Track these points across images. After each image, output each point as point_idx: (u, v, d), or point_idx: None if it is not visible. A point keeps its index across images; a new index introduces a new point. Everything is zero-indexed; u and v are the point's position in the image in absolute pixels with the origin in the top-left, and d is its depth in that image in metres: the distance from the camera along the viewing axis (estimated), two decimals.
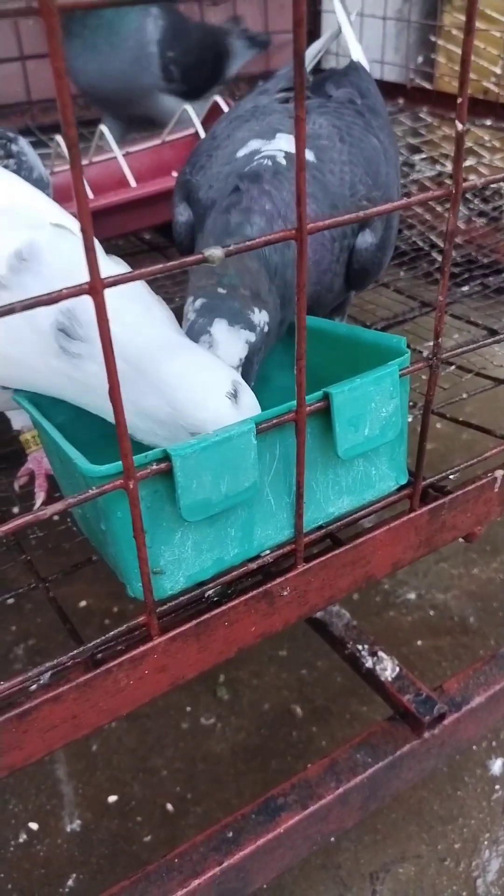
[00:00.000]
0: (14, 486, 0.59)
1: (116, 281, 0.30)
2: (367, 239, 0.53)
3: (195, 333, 0.44)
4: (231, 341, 0.43)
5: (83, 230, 0.27)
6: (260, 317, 0.45)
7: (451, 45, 1.46)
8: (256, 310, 0.45)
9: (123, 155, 0.89)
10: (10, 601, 0.93)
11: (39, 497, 0.56)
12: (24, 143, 0.67)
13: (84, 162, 0.90)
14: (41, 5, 0.24)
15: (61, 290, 0.29)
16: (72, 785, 0.77)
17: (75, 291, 0.29)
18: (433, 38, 1.50)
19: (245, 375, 0.44)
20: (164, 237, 1.08)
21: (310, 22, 1.53)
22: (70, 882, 0.69)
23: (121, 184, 0.88)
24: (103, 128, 0.87)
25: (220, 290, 0.44)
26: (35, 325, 0.40)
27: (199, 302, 0.45)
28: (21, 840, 0.73)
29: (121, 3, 0.25)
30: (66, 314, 0.39)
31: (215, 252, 0.31)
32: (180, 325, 0.45)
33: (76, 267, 0.28)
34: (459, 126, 0.36)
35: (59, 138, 0.85)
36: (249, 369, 0.45)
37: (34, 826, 0.74)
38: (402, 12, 1.54)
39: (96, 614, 0.92)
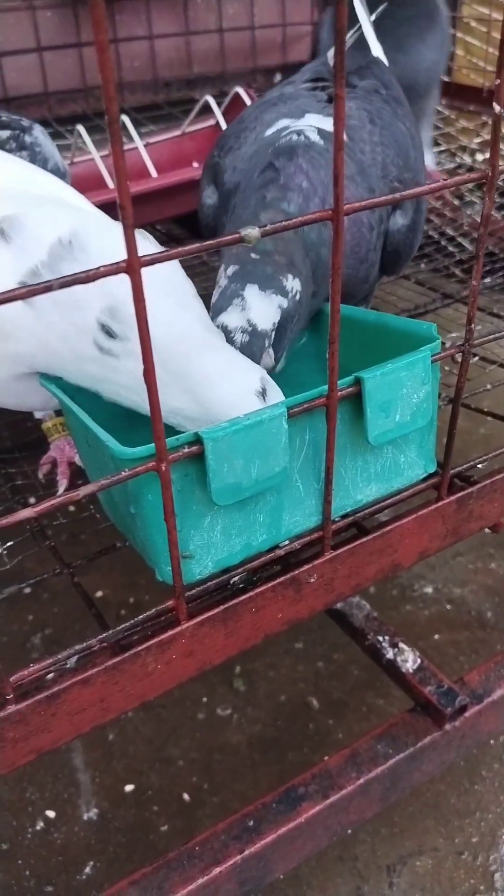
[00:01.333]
0: (38, 474, 0.59)
1: (154, 259, 0.29)
2: (398, 221, 0.53)
3: (227, 298, 0.43)
4: (264, 306, 0.43)
5: (122, 207, 0.27)
6: (293, 283, 0.44)
7: (469, 38, 1.45)
8: (290, 276, 0.44)
9: (144, 145, 0.88)
10: (27, 590, 0.93)
11: (62, 484, 0.56)
12: (39, 133, 0.67)
13: (104, 153, 0.90)
14: None
15: (98, 268, 0.29)
16: (88, 774, 0.77)
17: (112, 270, 0.29)
18: (452, 31, 1.49)
19: (278, 343, 0.43)
20: (182, 228, 1.08)
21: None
22: (87, 870, 0.70)
23: (141, 174, 0.87)
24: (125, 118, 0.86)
25: (254, 256, 0.44)
26: (77, 320, 0.40)
27: (231, 268, 0.44)
28: (38, 828, 0.73)
29: None
30: (108, 312, 0.39)
31: (252, 231, 0.31)
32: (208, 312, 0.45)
33: (117, 254, 0.28)
34: (497, 108, 0.35)
35: (79, 128, 0.84)
36: (282, 336, 0.44)
37: (51, 814, 0.74)
38: None
39: (112, 604, 0.92)
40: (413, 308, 0.82)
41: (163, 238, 1.09)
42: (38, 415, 0.61)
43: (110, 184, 0.83)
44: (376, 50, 0.73)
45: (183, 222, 1.06)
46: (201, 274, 0.94)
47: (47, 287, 0.27)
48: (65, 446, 0.58)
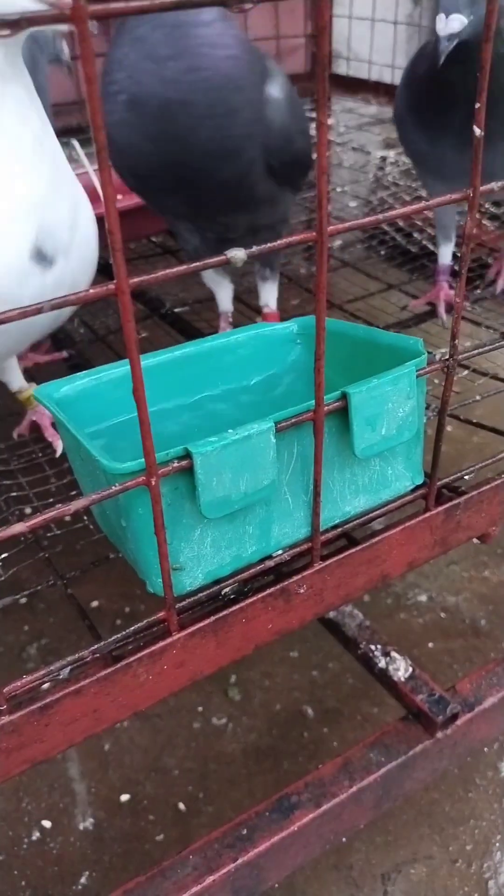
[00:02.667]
0: (14, 435, 0.60)
1: (142, 282, 0.30)
2: (274, 92, 0.55)
3: None
4: None
5: (110, 232, 0.28)
6: None
7: None
8: None
9: None
10: (23, 601, 0.94)
11: (58, 445, 0.57)
12: None
13: (94, 167, 0.91)
14: (73, 12, 0.25)
15: (88, 291, 0.29)
16: (84, 783, 0.78)
17: (102, 293, 0.30)
18: None
19: None
20: (175, 240, 1.09)
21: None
22: (83, 880, 0.70)
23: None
24: None
25: None
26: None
27: None
28: (34, 838, 0.73)
29: (151, 9, 0.25)
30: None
31: (238, 254, 0.32)
32: None
33: None
34: (477, 132, 0.36)
35: (74, 142, 0.85)
36: None
37: (47, 824, 0.74)
38: (412, 17, 1.55)
39: (108, 615, 0.93)
40: (406, 319, 0.83)
41: (158, 250, 1.10)
42: (14, 388, 0.61)
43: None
44: None
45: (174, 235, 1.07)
46: (190, 285, 0.95)
47: (38, 310, 0.28)
48: (45, 411, 0.59)
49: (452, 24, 0.57)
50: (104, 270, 1.03)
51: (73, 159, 0.88)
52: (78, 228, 0.52)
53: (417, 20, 1.51)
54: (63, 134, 1.25)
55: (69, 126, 1.28)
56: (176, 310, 0.92)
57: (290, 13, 1.52)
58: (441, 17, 0.58)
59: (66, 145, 1.13)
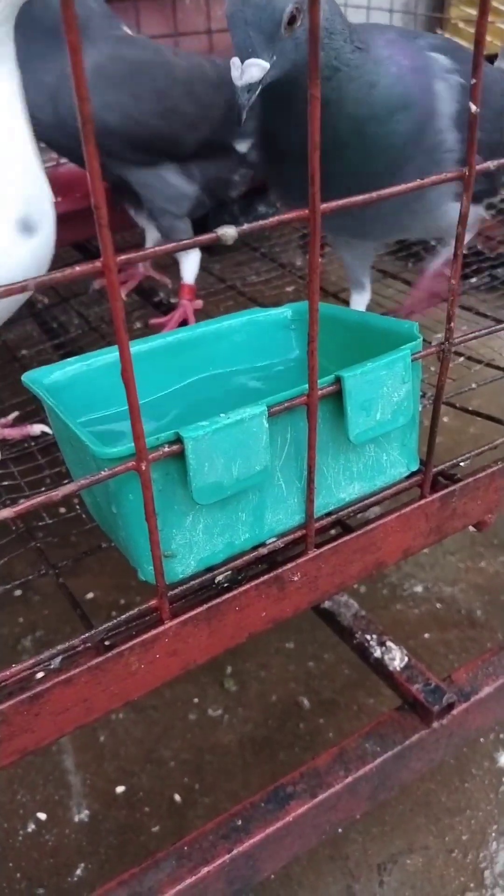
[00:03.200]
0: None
1: (129, 259, 0.30)
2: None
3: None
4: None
5: (96, 207, 0.27)
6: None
7: (457, 39, 1.45)
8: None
9: None
10: (18, 592, 0.93)
11: (32, 430, 0.58)
12: None
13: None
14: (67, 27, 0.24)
15: (74, 268, 0.29)
16: (79, 775, 0.77)
17: (89, 269, 0.29)
18: (440, 31, 1.50)
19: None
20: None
21: None
22: (78, 871, 0.70)
23: None
24: None
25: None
26: None
27: None
28: (29, 830, 0.73)
29: None
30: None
31: (228, 231, 0.31)
32: None
33: None
34: (473, 108, 0.35)
35: None
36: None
37: (42, 816, 0.74)
38: (408, 5, 1.54)
39: (103, 606, 0.92)
40: (399, 307, 0.82)
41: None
42: None
43: None
44: None
45: None
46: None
47: (23, 287, 0.27)
48: None
49: (250, 71, 0.46)
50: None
51: None
52: (50, 201, 0.55)
53: (413, 8, 1.50)
54: None
55: None
56: (171, 300, 0.92)
57: None
58: (235, 62, 0.47)
59: None
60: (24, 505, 0.31)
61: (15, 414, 0.62)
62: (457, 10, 1.51)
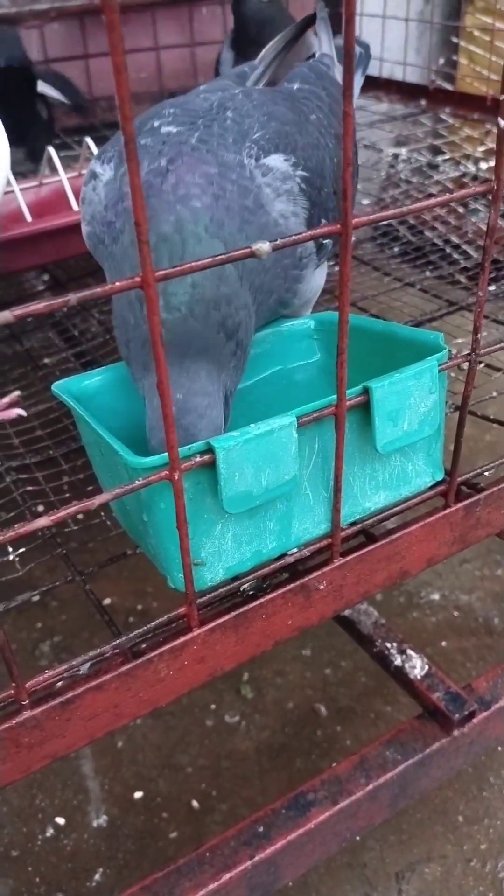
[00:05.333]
0: None
1: (167, 275, 0.30)
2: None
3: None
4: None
5: (137, 224, 0.28)
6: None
7: (472, 47, 1.46)
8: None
9: None
10: (36, 598, 0.94)
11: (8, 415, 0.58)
12: None
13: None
14: (102, 2, 0.25)
15: (115, 284, 0.29)
16: (98, 781, 0.78)
17: (127, 285, 0.29)
18: (455, 40, 1.50)
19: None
20: None
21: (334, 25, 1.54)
22: (97, 876, 0.70)
23: None
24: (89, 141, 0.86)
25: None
26: None
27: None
28: (48, 834, 0.73)
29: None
30: None
31: (263, 246, 0.32)
32: None
33: None
34: (501, 122, 0.36)
35: (88, 140, 0.85)
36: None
37: (61, 821, 0.74)
38: (423, 14, 1.55)
39: (121, 612, 0.93)
40: (419, 315, 0.82)
41: None
42: None
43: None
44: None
45: None
46: None
47: (65, 301, 0.28)
48: None
49: None
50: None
51: (86, 158, 0.88)
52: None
53: (429, 17, 1.51)
54: (75, 132, 1.26)
55: (81, 124, 1.28)
56: None
57: (302, 8, 1.51)
58: None
59: (77, 143, 1.13)
60: (60, 514, 0.32)
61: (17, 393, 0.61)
62: (472, 19, 1.52)
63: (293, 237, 0.32)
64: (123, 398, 0.47)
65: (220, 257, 0.32)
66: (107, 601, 0.94)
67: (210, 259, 0.31)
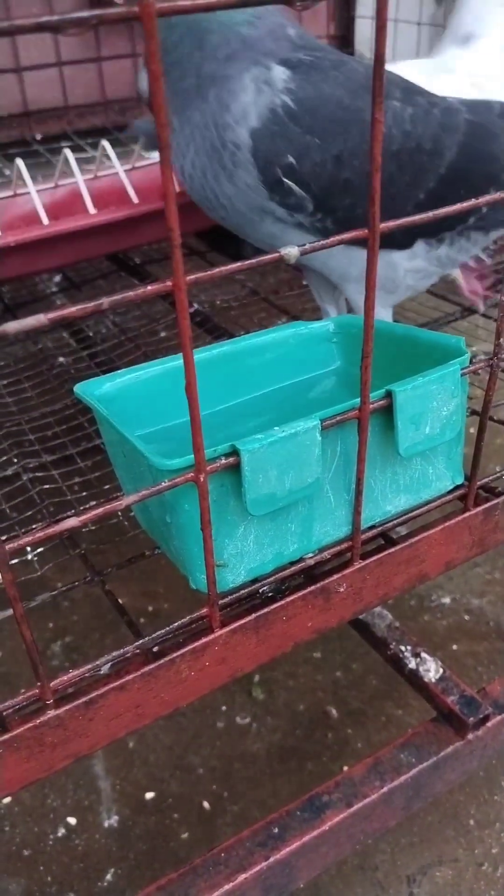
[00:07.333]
0: None
1: (198, 279, 0.30)
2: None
3: None
4: None
5: (170, 229, 0.28)
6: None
7: None
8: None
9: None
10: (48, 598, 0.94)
11: None
12: None
13: (126, 166, 0.91)
14: (141, 9, 0.25)
15: (147, 287, 0.30)
16: (109, 781, 0.78)
17: (160, 289, 0.30)
18: None
19: None
20: (203, 242, 1.10)
21: (343, 27, 1.54)
22: (108, 876, 0.70)
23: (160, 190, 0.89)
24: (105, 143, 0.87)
25: None
26: None
27: None
28: (60, 834, 0.73)
29: (221, 6, 0.25)
30: None
31: (291, 251, 0.32)
32: None
33: None
34: None
35: (104, 143, 0.86)
36: None
37: (72, 821, 0.74)
38: (436, 17, 1.55)
39: (131, 613, 0.93)
40: (433, 320, 0.83)
41: (185, 251, 1.10)
42: None
43: (134, 198, 0.84)
44: None
45: (203, 236, 1.07)
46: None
47: (98, 306, 0.28)
48: None
49: None
50: (134, 271, 1.03)
51: (102, 159, 0.88)
52: None
53: (441, 21, 1.51)
54: (88, 135, 1.26)
55: (94, 126, 1.29)
56: (204, 309, 0.93)
57: (313, 13, 1.52)
58: None
59: (91, 146, 1.14)
60: (89, 514, 0.32)
61: None
62: None
63: (321, 243, 0.33)
64: (144, 402, 0.47)
65: (250, 262, 0.32)
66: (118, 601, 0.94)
67: (238, 263, 0.31)
